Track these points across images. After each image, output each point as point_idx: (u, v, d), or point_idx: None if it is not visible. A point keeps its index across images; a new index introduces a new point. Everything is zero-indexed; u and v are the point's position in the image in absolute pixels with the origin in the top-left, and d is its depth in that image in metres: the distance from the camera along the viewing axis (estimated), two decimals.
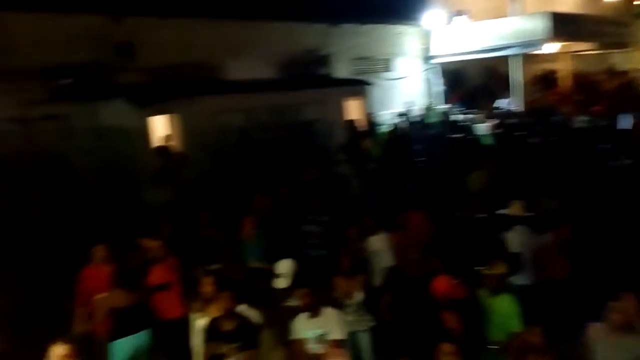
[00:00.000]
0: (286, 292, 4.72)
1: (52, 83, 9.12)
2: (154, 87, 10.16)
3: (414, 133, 12.51)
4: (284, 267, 4.79)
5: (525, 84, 16.83)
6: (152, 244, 5.29)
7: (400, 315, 4.62)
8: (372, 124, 13.17)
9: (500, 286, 4.47)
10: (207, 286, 4.62)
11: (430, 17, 16.52)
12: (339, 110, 12.48)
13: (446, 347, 3.48)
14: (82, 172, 8.30)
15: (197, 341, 4.61)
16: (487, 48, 15.98)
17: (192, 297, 4.99)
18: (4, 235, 5.91)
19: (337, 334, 4.21)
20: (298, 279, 4.68)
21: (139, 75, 10.24)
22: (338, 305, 4.62)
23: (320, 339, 4.17)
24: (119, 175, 8.37)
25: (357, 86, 13.29)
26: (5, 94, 8.28)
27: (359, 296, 4.89)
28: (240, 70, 11.78)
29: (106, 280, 5.18)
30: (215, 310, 4.47)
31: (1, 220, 6.34)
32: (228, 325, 4.14)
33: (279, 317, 4.70)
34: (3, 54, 7.56)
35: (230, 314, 4.19)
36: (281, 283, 4.71)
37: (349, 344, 4.70)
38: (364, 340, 4.97)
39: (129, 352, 4.63)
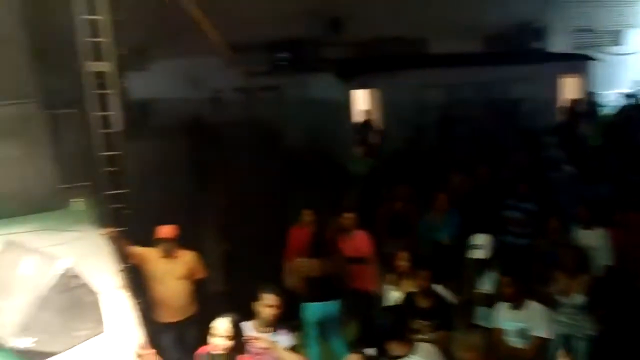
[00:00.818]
0: (481, 266, 4.49)
1: (271, 56, 10.00)
2: (358, 61, 10.44)
3: None
4: (482, 239, 4.57)
5: None
6: (347, 216, 5.47)
7: (625, 325, 4.02)
8: (592, 105, 11.62)
9: None
10: (402, 261, 4.66)
11: None
12: (553, 88, 11.27)
13: None
14: (291, 140, 9.00)
15: None
16: None
17: (382, 269, 5.08)
18: (228, 191, 6.75)
19: (540, 331, 3.86)
20: (496, 255, 4.42)
21: (346, 49, 10.61)
22: (550, 302, 4.22)
23: (522, 333, 3.87)
24: (323, 146, 8.86)
25: (577, 62, 11.79)
26: (233, 66, 9.32)
27: (578, 298, 4.35)
28: (446, 43, 11.35)
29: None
30: (409, 285, 4.48)
31: (224, 179, 7.23)
32: (424, 303, 4.10)
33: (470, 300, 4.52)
34: (232, 29, 8.49)
35: (426, 291, 4.14)
36: (478, 254, 4.50)
37: (560, 346, 4.27)
38: (580, 349, 4.43)
39: (319, 316, 4.92)
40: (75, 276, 2.87)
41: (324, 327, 5.01)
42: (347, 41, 10.67)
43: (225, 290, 5.95)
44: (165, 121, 7.97)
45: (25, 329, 2.70)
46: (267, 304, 3.68)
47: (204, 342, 3.44)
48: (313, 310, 4.95)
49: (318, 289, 4.91)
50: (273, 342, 3.44)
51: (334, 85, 9.70)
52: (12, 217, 5.15)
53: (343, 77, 9.80)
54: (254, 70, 9.58)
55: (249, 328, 3.62)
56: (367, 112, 10.24)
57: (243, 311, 3.75)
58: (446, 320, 3.99)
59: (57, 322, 2.79)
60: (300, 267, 5.06)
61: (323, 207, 6.03)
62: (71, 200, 5.63)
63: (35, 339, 2.72)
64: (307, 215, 5.74)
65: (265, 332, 3.63)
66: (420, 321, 3.94)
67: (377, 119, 10.02)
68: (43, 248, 3.30)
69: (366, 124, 9.44)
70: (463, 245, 4.88)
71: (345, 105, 9.75)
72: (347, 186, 7.40)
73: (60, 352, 2.83)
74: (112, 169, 6.37)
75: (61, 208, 5.52)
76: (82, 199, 5.75)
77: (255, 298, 3.76)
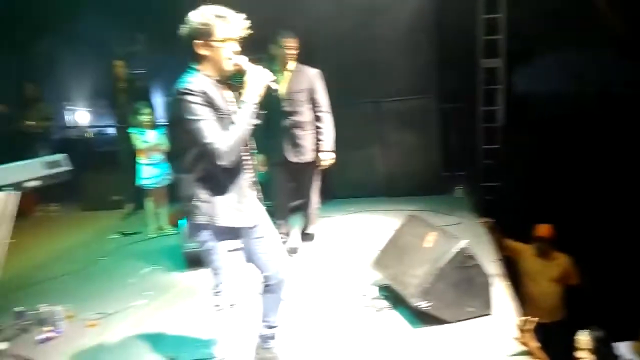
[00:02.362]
0: None
1: None
2: None
3: None
4: None
5: None
6: None
7: None
8: None
9: None
10: None
11: None
12: None
13: None
14: None
15: None
16: None
17: None
18: (612, 195, 6.08)
19: None
20: None
21: None
22: None
23: None
24: None
25: None
26: (628, 57, 8.18)
27: None
28: None
29: None
30: None
31: (608, 181, 6.47)
32: None
33: None
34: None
35: None
36: None
37: None
38: None
39: None
40: (470, 256, 3.14)
41: None
42: None
43: (595, 300, 5.41)
44: (545, 116, 7.69)
45: (425, 293, 3.11)
46: None
47: (570, 350, 3.26)
48: None
49: None
50: None
51: None
52: (402, 197, 5.99)
53: None
54: None
55: (627, 350, 3.24)
56: None
57: (614, 327, 3.37)
58: None
59: (450, 294, 3.12)
60: None
61: None
62: (455, 188, 6.11)
63: (431, 304, 3.11)
64: None
65: None
66: None
67: None
68: None
69: None
70: None
71: None
72: None
73: (449, 322, 3.15)
74: (489, 161, 6.66)
75: (444, 193, 6.08)
76: (462, 187, 6.18)
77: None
